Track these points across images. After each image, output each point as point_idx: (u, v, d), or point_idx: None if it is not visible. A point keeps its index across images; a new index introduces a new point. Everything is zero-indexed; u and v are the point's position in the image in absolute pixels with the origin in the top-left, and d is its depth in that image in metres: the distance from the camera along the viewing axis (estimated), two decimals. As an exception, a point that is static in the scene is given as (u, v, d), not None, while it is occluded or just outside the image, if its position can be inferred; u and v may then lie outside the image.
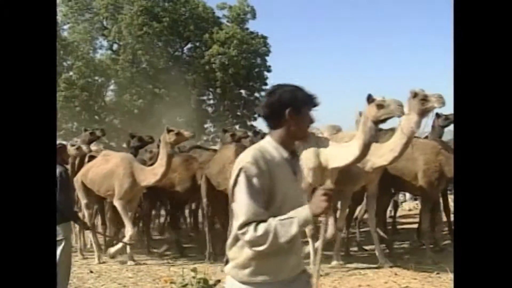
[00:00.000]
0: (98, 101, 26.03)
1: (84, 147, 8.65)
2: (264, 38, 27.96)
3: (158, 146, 9.12)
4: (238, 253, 2.31)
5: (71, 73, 24.79)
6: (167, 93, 25.63)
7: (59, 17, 24.93)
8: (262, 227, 2.16)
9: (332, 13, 55.52)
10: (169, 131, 7.59)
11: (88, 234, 8.87)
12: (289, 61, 49.80)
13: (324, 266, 6.68)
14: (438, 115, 8.61)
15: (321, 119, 7.85)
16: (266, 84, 28.70)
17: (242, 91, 28.81)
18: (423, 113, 6.19)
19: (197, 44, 27.98)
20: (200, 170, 8.43)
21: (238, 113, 28.78)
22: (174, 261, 7.92)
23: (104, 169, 8.25)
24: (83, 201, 8.58)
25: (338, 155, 6.34)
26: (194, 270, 5.24)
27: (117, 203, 7.91)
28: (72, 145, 8.83)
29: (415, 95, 6.16)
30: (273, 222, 2.17)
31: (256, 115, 28.54)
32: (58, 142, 5.92)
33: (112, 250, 7.86)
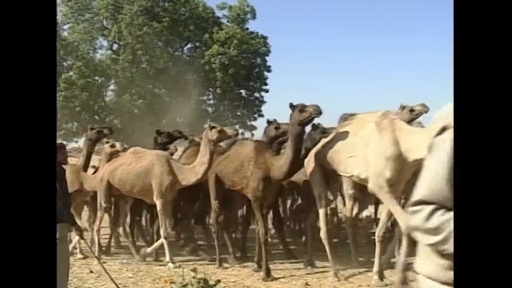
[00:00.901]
0: (98, 101, 26.03)
1: (118, 145, 8.32)
2: (264, 38, 27.98)
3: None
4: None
5: (71, 73, 24.79)
6: (167, 93, 25.64)
7: (59, 17, 24.94)
8: (442, 214, 1.84)
9: (332, 13, 55.58)
10: (211, 128, 7.28)
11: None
12: (289, 61, 49.84)
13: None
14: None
15: (321, 119, 7.80)
16: (266, 84, 28.74)
17: (242, 91, 28.81)
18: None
19: (197, 44, 28.00)
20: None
21: (238, 113, 28.79)
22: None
23: (138, 167, 7.92)
24: (103, 203, 8.20)
25: (422, 144, 4.89)
26: (194, 270, 5.25)
27: (158, 202, 7.65)
28: (107, 142, 8.62)
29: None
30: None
31: (256, 115, 28.57)
32: (58, 142, 5.79)
33: (148, 250, 7.78)
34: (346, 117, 7.13)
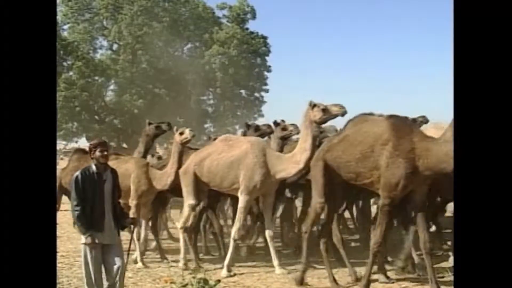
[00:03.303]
0: (98, 101, 25.99)
1: (187, 132, 7.07)
2: (264, 38, 27.95)
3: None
4: None
5: (71, 73, 24.75)
6: (167, 93, 25.61)
7: (59, 17, 24.89)
8: None
9: (332, 13, 55.56)
10: (313, 106, 6.20)
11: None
12: (289, 61, 49.83)
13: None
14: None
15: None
16: (266, 84, 28.72)
17: (242, 91, 28.78)
18: None
19: (197, 44, 27.96)
20: None
21: (238, 113, 28.74)
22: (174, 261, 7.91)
23: (229, 156, 7.00)
24: (190, 200, 7.28)
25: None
26: (194, 270, 5.24)
27: (242, 198, 6.79)
28: (176, 130, 7.83)
29: None
30: None
31: (256, 115, 28.56)
32: (99, 139, 5.35)
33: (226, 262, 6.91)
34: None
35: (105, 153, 4.93)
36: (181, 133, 7.10)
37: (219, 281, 5.33)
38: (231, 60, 26.28)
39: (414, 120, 7.48)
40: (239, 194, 6.80)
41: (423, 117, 8.14)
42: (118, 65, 25.33)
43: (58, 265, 7.06)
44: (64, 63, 24.56)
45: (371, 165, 5.47)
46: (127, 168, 7.47)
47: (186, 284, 5.11)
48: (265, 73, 28.67)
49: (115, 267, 4.82)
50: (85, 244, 4.78)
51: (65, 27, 26.33)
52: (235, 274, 6.88)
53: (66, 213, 13.13)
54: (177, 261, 7.58)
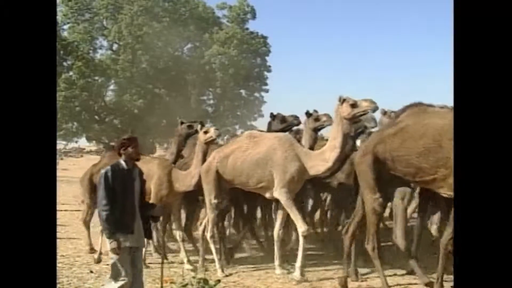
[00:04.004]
0: (98, 101, 26.04)
1: (212, 131, 6.86)
2: (264, 38, 28.00)
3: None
4: None
5: (71, 73, 24.78)
6: (167, 93, 25.66)
7: (59, 17, 24.94)
8: None
9: (332, 13, 55.57)
10: (343, 101, 5.89)
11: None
12: (289, 61, 49.86)
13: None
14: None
15: (320, 118, 7.69)
16: (266, 84, 28.77)
17: (242, 91, 28.83)
18: None
19: (197, 44, 27.99)
20: None
21: (238, 113, 28.78)
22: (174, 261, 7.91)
23: (255, 154, 6.68)
24: (214, 199, 6.94)
25: None
26: (194, 270, 5.24)
27: (281, 193, 6.37)
28: (200, 129, 7.42)
29: None
30: None
31: (256, 115, 28.59)
32: (129, 135, 4.88)
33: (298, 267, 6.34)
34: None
35: (138, 149, 4.59)
36: (206, 132, 6.88)
37: (219, 281, 5.33)
38: (231, 60, 26.31)
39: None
40: (274, 191, 6.39)
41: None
42: (118, 65, 25.37)
43: (58, 265, 7.05)
44: (64, 63, 24.56)
45: (437, 162, 4.94)
46: (149, 168, 7.06)
47: (186, 284, 5.11)
48: (265, 73, 28.71)
49: (139, 271, 4.57)
50: (110, 250, 4.37)
51: (65, 27, 26.38)
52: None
53: (65, 213, 13.14)
54: (177, 261, 7.58)
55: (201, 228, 7.24)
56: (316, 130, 7.27)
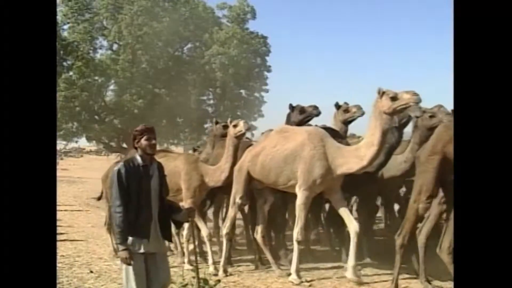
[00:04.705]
0: (98, 101, 26.00)
1: (241, 124, 6.58)
2: (264, 38, 27.99)
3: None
4: None
5: (71, 73, 24.76)
6: (167, 93, 25.63)
7: (59, 17, 24.90)
8: None
9: (332, 13, 55.51)
10: (382, 93, 5.44)
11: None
12: (289, 61, 49.82)
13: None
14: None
15: (321, 118, 7.57)
16: (266, 84, 28.76)
17: (242, 91, 28.82)
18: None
19: (197, 44, 27.98)
20: None
21: (238, 113, 28.75)
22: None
23: (284, 150, 6.28)
24: (238, 198, 6.71)
25: None
26: (194, 270, 5.24)
27: (300, 194, 6.05)
28: (217, 123, 7.32)
29: None
30: None
31: (256, 115, 28.57)
32: (145, 125, 4.25)
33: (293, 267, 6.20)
34: None
35: (153, 141, 4.07)
36: (235, 126, 6.61)
37: (219, 281, 5.35)
38: (231, 60, 26.29)
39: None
40: (297, 189, 6.10)
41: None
42: (118, 65, 25.35)
43: (58, 265, 7.06)
44: (64, 63, 24.56)
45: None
46: (176, 165, 6.88)
47: (186, 284, 5.12)
48: (265, 73, 28.70)
49: (159, 283, 4.06)
50: (121, 260, 3.95)
51: (65, 27, 26.33)
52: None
53: (66, 213, 13.16)
54: (176, 261, 7.57)
55: (258, 236, 7.00)
56: (346, 122, 7.01)
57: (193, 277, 5.04)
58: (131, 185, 3.94)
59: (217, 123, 8.19)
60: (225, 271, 6.81)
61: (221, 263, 6.85)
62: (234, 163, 6.61)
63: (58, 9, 24.62)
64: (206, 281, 5.01)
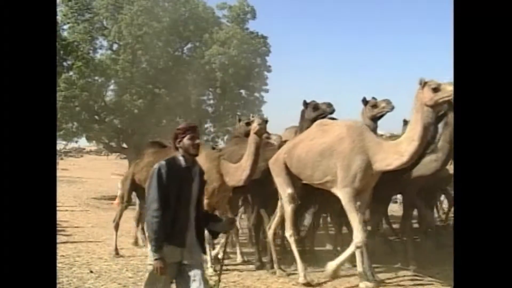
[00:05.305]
0: (98, 101, 26.00)
1: (256, 120, 6.29)
2: (264, 38, 28.02)
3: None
4: None
5: (71, 73, 24.76)
6: (167, 93, 25.63)
7: (59, 17, 24.90)
8: None
9: (332, 13, 55.54)
10: (424, 84, 5.09)
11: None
12: (289, 61, 49.84)
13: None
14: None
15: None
16: (266, 84, 28.77)
17: (242, 91, 28.82)
18: None
19: (197, 44, 27.97)
20: None
21: (238, 113, 28.75)
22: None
23: (321, 143, 5.93)
24: (286, 189, 6.33)
25: None
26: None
27: (342, 192, 5.61)
28: (239, 120, 6.99)
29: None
30: None
31: (256, 115, 28.55)
32: (188, 123, 3.91)
33: (332, 265, 5.76)
34: None
35: (197, 141, 3.71)
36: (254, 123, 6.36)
37: (219, 281, 5.33)
38: (231, 60, 26.29)
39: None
40: (335, 189, 5.73)
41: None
42: (118, 65, 25.35)
43: (58, 265, 7.06)
44: (64, 63, 24.56)
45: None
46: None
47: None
48: (265, 73, 28.71)
49: None
50: (152, 268, 3.56)
51: (65, 27, 26.33)
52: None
53: (65, 213, 13.16)
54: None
55: (270, 232, 6.80)
56: (374, 118, 6.70)
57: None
58: (171, 187, 3.57)
59: (239, 120, 7.90)
60: (305, 276, 6.26)
61: (299, 271, 6.31)
62: (256, 161, 6.24)
63: (58, 9, 24.64)
64: (206, 281, 5.00)
